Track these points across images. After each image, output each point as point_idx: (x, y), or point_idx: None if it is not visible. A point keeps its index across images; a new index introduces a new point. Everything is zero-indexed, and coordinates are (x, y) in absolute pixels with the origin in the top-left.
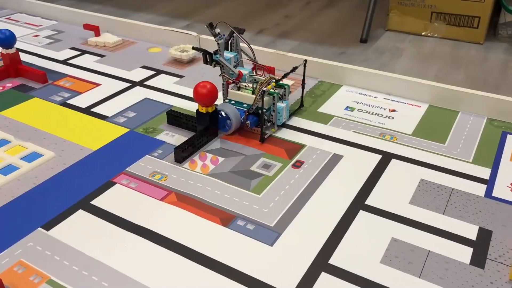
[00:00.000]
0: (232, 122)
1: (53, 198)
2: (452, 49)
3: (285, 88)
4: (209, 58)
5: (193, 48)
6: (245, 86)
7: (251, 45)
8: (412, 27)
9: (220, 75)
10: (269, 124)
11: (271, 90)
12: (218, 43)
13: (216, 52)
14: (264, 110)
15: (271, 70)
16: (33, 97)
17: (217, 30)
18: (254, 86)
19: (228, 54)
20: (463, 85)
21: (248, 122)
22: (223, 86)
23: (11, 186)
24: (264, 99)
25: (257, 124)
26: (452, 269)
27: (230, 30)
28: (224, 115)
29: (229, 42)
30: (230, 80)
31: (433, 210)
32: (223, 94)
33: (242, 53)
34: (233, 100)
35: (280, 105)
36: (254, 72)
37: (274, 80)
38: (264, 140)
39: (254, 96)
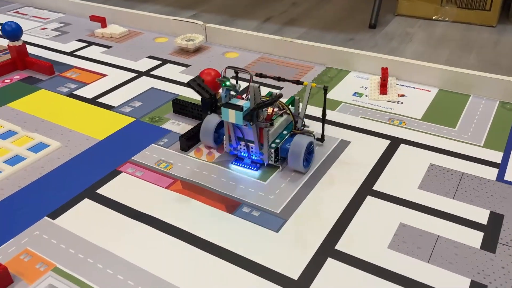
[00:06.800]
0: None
1: (59, 188)
2: (464, 32)
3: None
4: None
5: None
6: (275, 115)
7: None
8: (422, 12)
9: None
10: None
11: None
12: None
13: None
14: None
15: None
16: (40, 89)
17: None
18: (276, 110)
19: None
20: (475, 69)
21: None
22: (257, 134)
23: (18, 176)
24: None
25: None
26: (462, 254)
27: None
28: (305, 150)
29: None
30: (262, 127)
31: (443, 195)
32: (260, 144)
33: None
34: (277, 139)
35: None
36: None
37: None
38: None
39: (288, 115)
